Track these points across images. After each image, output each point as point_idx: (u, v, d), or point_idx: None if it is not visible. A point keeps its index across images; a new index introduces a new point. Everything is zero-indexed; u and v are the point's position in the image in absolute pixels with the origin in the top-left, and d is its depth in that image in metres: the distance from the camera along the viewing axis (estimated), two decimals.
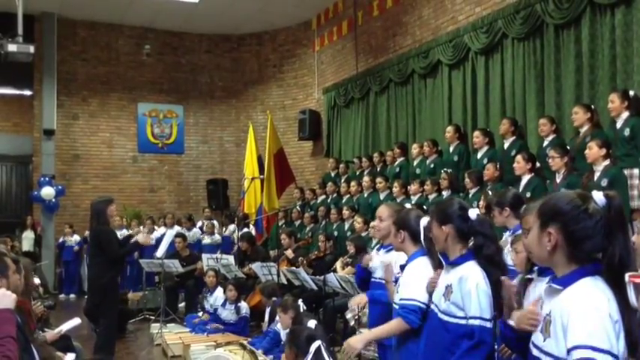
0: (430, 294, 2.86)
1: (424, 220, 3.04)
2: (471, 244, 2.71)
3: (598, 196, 1.71)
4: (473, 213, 2.71)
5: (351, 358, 3.06)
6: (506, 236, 4.05)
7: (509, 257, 3.68)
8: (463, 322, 2.54)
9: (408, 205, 3.61)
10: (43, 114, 12.00)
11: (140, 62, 13.26)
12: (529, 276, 2.77)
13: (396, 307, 3.06)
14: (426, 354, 2.71)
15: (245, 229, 10.04)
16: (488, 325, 2.50)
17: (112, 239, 5.87)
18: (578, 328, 1.60)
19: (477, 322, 2.48)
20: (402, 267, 3.21)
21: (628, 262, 1.66)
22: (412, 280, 2.99)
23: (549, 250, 1.73)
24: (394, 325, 3.01)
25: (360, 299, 4.22)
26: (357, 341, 3.03)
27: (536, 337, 1.77)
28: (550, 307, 1.74)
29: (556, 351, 1.66)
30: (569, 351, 1.60)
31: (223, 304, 7.15)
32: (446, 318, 2.60)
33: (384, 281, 3.46)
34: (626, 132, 5.32)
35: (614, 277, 1.64)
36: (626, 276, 1.47)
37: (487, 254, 2.63)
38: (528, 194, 5.49)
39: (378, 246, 3.46)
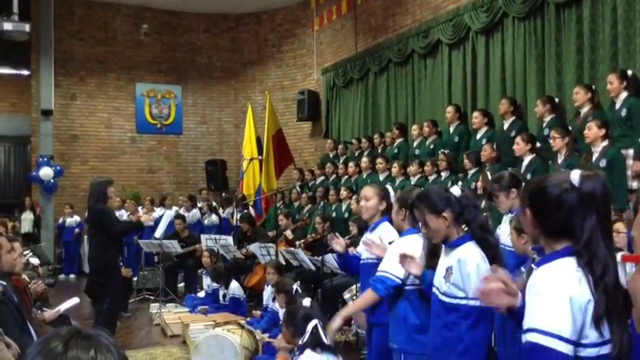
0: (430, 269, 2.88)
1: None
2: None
3: (574, 175, 1.68)
4: (456, 190, 2.74)
5: (334, 337, 3.19)
6: (506, 218, 3.98)
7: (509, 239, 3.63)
8: (464, 302, 2.56)
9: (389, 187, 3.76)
10: (40, 94, 11.91)
11: (138, 42, 13.13)
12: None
13: None
14: (432, 338, 2.74)
15: (244, 210, 10.04)
16: None
17: (113, 217, 6.02)
18: (529, 309, 1.61)
19: (477, 302, 2.49)
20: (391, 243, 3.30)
21: (596, 247, 1.60)
22: (391, 254, 3.11)
23: (531, 230, 1.77)
24: (364, 296, 3.22)
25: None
26: (333, 321, 3.15)
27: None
28: None
29: None
30: (523, 333, 1.61)
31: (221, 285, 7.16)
32: (447, 300, 2.61)
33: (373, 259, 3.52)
34: (623, 112, 5.28)
35: (583, 258, 1.61)
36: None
37: (479, 225, 2.68)
38: (529, 175, 5.46)
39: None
